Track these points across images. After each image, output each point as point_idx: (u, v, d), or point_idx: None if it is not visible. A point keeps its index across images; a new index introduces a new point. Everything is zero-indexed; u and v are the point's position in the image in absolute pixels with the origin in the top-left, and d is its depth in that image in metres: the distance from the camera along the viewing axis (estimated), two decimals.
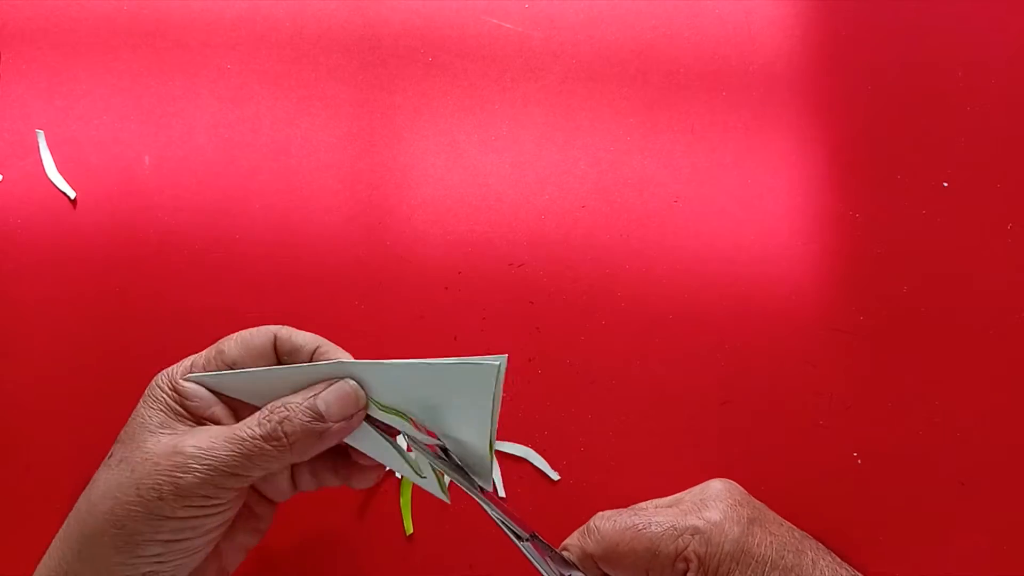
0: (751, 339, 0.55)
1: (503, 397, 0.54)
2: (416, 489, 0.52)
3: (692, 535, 0.40)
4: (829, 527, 0.51)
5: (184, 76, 0.60)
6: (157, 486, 0.38)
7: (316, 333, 0.44)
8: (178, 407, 0.42)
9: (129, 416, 0.43)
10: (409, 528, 0.52)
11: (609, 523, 0.42)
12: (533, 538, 0.42)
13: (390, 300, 0.56)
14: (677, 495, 0.45)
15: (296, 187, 0.58)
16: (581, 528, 0.44)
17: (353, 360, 0.42)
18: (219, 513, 0.40)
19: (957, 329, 0.55)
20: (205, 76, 0.60)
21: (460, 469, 0.41)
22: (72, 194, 0.58)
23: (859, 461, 0.53)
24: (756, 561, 0.40)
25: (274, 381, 0.41)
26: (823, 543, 0.48)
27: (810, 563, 0.41)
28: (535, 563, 0.41)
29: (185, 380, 0.42)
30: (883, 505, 0.53)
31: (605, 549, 0.42)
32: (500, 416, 0.53)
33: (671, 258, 0.56)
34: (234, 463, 0.39)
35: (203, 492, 0.39)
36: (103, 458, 0.42)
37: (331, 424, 0.40)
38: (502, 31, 0.61)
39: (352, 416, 0.40)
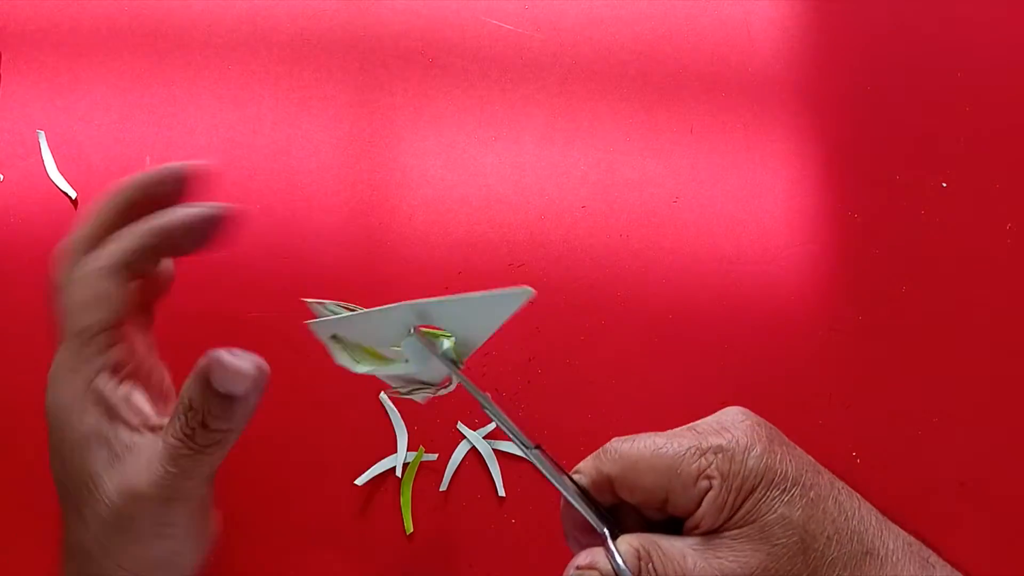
0: (750, 339, 0.55)
1: (504, 396, 0.54)
2: (416, 489, 0.52)
3: (715, 453, 0.39)
4: None
5: (185, 77, 0.60)
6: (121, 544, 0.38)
7: None
8: (113, 402, 0.40)
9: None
10: (409, 528, 0.52)
11: (628, 444, 0.41)
12: (539, 448, 0.41)
13: (390, 300, 0.56)
14: (692, 423, 0.44)
15: (296, 187, 0.58)
16: (595, 452, 0.42)
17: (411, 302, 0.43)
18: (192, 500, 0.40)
19: (957, 329, 0.55)
20: (206, 77, 0.60)
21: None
22: (73, 194, 0.58)
23: (859, 461, 0.53)
24: (779, 477, 0.39)
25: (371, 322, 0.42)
26: None
27: (827, 483, 0.40)
28: (544, 472, 0.41)
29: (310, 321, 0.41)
30: (883, 505, 0.52)
31: (623, 468, 0.40)
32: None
33: (671, 258, 0.56)
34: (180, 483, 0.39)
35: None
36: None
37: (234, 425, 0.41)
38: (502, 32, 0.61)
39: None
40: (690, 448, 0.39)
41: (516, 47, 0.60)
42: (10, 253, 0.57)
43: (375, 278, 0.56)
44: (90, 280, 0.40)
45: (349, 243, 0.57)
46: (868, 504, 0.42)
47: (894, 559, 0.40)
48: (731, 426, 0.40)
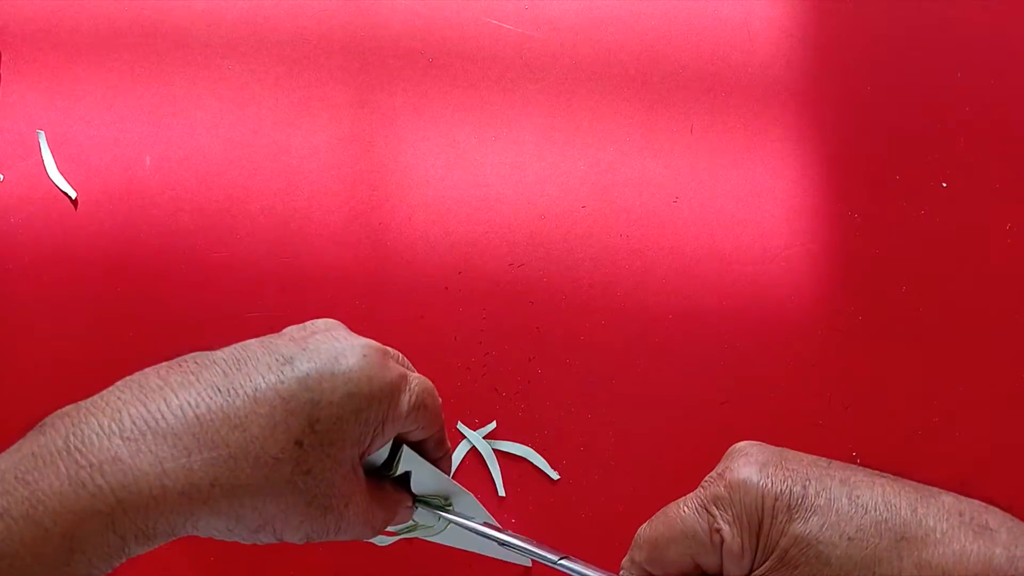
0: (750, 339, 0.55)
1: (504, 396, 0.54)
2: None
3: (715, 505, 0.39)
4: None
5: (185, 77, 0.60)
6: (308, 533, 0.36)
7: None
8: (369, 435, 0.37)
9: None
10: None
11: (646, 527, 0.41)
12: (567, 558, 0.42)
13: (390, 300, 0.56)
14: (704, 478, 0.45)
15: (297, 187, 0.58)
16: (630, 547, 0.43)
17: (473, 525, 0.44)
18: None
19: (956, 329, 0.55)
20: (206, 77, 0.60)
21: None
22: (73, 194, 0.58)
23: (859, 461, 0.53)
24: (782, 500, 0.38)
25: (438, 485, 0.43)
26: None
27: (838, 482, 0.39)
28: (581, 570, 0.42)
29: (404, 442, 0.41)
30: None
31: (649, 552, 0.41)
32: (501, 414, 0.54)
33: (671, 258, 0.56)
34: (342, 539, 0.38)
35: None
36: None
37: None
38: (502, 32, 0.61)
39: None
40: (697, 508, 0.40)
41: (516, 47, 0.60)
42: (10, 253, 0.57)
43: (375, 278, 0.56)
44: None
45: (349, 243, 0.57)
46: (899, 484, 0.40)
47: (937, 536, 0.37)
48: (728, 468, 0.40)
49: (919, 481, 0.53)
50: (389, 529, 0.43)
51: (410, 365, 0.42)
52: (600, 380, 0.55)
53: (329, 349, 0.37)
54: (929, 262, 0.56)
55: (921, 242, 0.56)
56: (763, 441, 0.53)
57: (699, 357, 0.55)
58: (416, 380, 0.39)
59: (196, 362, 0.36)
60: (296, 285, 0.56)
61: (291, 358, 0.36)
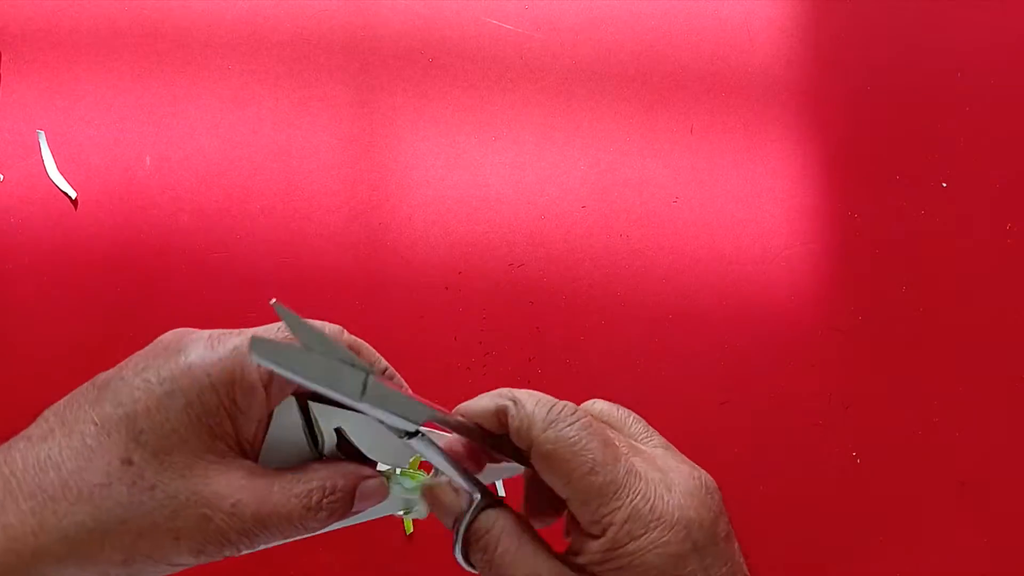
0: (750, 339, 0.55)
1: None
2: None
3: (629, 522, 0.33)
4: (828, 526, 0.51)
5: (185, 77, 0.60)
6: (199, 546, 0.32)
7: None
8: (225, 420, 0.33)
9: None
10: (409, 528, 0.52)
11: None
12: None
13: (390, 300, 0.56)
14: (657, 447, 0.37)
15: (297, 188, 0.58)
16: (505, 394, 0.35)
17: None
18: None
19: (956, 329, 0.55)
20: (206, 77, 0.60)
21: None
22: (73, 194, 0.58)
23: (858, 461, 0.53)
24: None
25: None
26: (821, 542, 0.48)
27: None
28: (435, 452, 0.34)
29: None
30: (883, 505, 0.53)
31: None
32: None
33: (671, 258, 0.56)
34: (276, 537, 0.34)
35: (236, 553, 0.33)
36: None
37: (353, 513, 0.36)
38: (502, 32, 0.61)
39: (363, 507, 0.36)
40: (621, 500, 0.33)
41: (516, 47, 0.60)
42: (10, 253, 0.57)
43: (375, 278, 0.56)
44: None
45: (349, 243, 0.57)
46: None
47: None
48: (669, 510, 0.34)
49: (920, 481, 0.53)
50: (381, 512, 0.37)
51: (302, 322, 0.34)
52: (600, 380, 0.55)
53: (144, 360, 0.33)
54: (929, 262, 0.56)
55: (921, 242, 0.56)
56: (763, 441, 0.54)
57: (699, 357, 0.55)
58: (262, 335, 0.34)
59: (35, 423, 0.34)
60: (296, 285, 0.56)
61: (106, 383, 0.33)
